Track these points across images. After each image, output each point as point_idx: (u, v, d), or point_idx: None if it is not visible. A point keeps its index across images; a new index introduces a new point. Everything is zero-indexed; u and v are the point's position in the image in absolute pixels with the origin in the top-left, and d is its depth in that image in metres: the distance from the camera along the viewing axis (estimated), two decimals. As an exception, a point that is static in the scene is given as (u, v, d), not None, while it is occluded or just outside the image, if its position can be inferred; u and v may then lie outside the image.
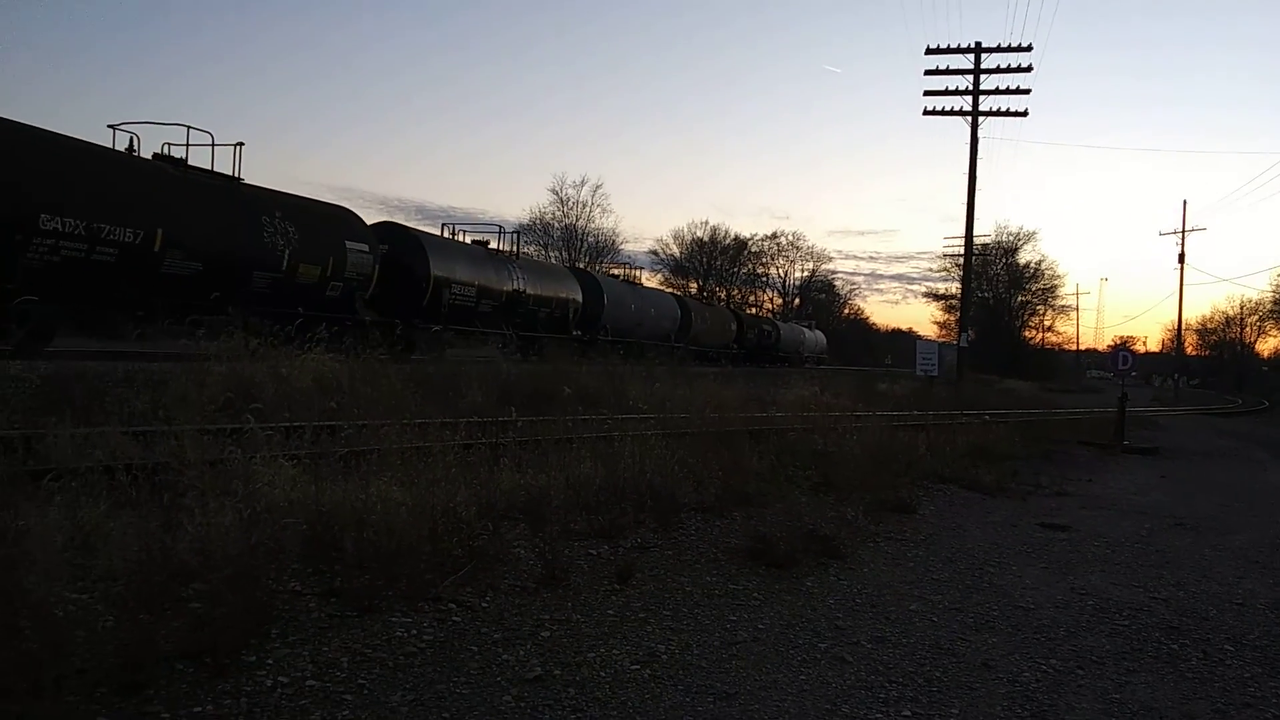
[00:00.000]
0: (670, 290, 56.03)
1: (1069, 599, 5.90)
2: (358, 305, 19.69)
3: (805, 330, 62.00)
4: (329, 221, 19.51)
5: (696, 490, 7.52)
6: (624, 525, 6.43)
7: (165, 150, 16.21)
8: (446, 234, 25.55)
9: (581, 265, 54.90)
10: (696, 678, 4.04)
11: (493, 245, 26.84)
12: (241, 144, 17.35)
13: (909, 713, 3.85)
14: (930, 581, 6.08)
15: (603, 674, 3.98)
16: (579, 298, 30.05)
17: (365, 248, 19.86)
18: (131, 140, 15.38)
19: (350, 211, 20.82)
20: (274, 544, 4.50)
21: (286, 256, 17.42)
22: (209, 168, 16.69)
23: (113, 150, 15.09)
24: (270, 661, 3.69)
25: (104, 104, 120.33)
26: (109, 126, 15.55)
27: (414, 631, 4.20)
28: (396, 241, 21.84)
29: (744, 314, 56.12)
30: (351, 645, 3.96)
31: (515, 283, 26.03)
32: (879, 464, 9.54)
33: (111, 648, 3.47)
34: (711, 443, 8.87)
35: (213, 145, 16.73)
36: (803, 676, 4.18)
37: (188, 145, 16.36)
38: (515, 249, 28.53)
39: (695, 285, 73.69)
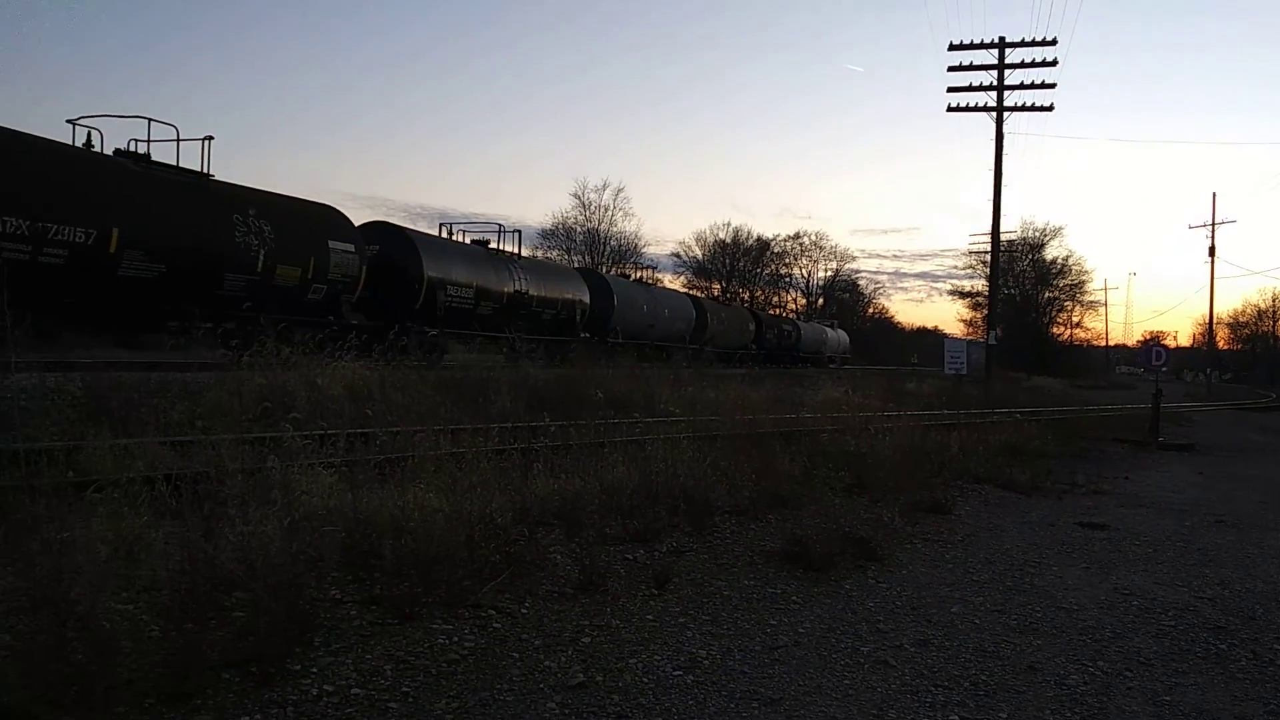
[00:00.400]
0: (687, 291, 55.39)
1: (1113, 600, 5.81)
2: (344, 309, 18.73)
3: (827, 330, 61.11)
4: (310, 220, 18.65)
5: (730, 493, 7.48)
6: (658, 529, 6.41)
7: (131, 146, 15.33)
8: (445, 234, 24.80)
9: (604, 269, 54.95)
10: (740, 683, 4.01)
11: (493, 245, 26.01)
12: (210, 138, 16.33)
13: (957, 718, 3.80)
14: (970, 583, 6.01)
15: (645, 680, 3.96)
16: (586, 299, 29.28)
17: (350, 248, 18.95)
18: (89, 135, 14.62)
19: (335, 210, 19.94)
20: (314, 552, 4.51)
21: (262, 257, 16.52)
22: (177, 164, 15.75)
23: (62, 144, 14.28)
24: (315, 670, 3.71)
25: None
26: (68, 121, 14.79)
27: (455, 639, 4.20)
28: (387, 241, 21.07)
29: (763, 314, 55.13)
30: (394, 653, 3.97)
31: (517, 284, 25.18)
32: (912, 464, 9.47)
33: (158, 657, 3.50)
34: (743, 445, 8.83)
35: (178, 140, 15.80)
36: (846, 681, 4.14)
37: (149, 140, 15.51)
38: (517, 248, 27.59)
39: (718, 287, 73.62)
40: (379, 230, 21.71)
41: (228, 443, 6.36)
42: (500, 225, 26.75)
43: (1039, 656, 4.62)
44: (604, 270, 52.48)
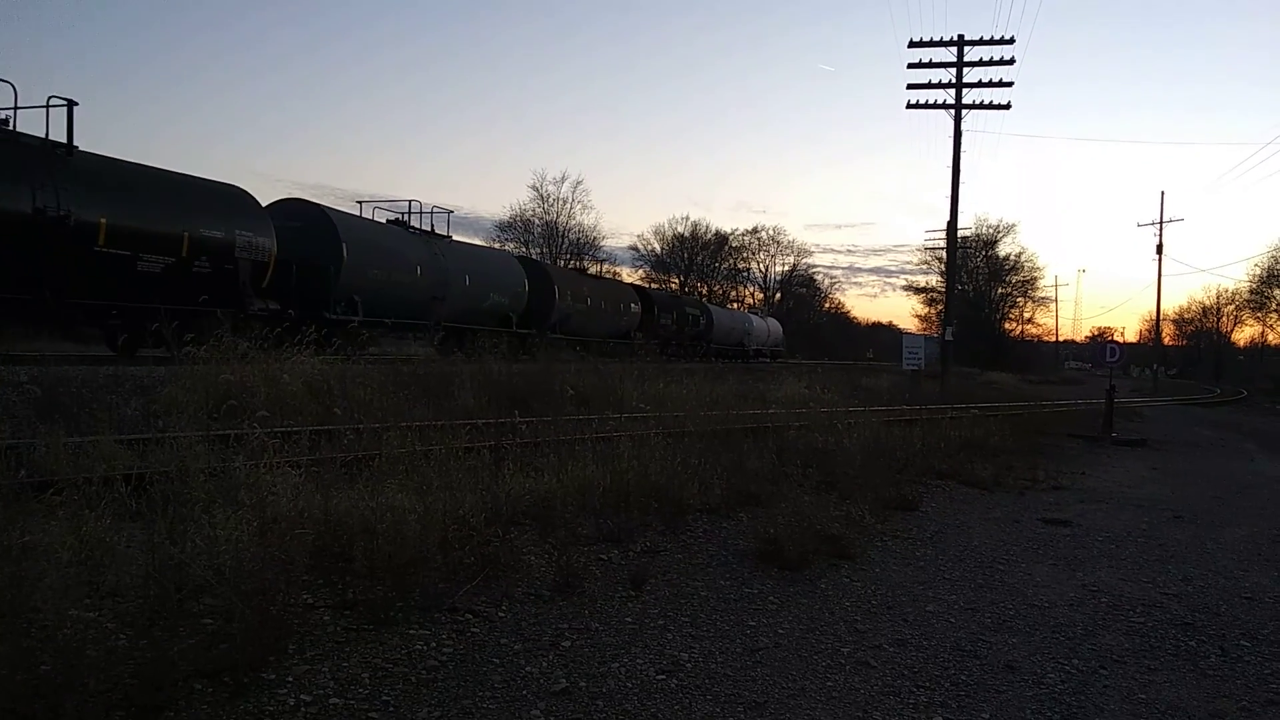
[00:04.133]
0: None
1: (1082, 596, 5.88)
2: (244, 294, 16.74)
3: (752, 318, 53.65)
4: (197, 196, 16.51)
5: (701, 491, 7.45)
6: (632, 529, 6.35)
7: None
8: (368, 214, 23.17)
9: (562, 262, 54.30)
10: (724, 687, 3.98)
11: (415, 226, 23.77)
12: (73, 103, 14.07)
13: (940, 718, 3.80)
14: (943, 581, 6.04)
15: (629, 685, 3.90)
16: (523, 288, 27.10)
17: (249, 229, 16.86)
18: None
19: (238, 189, 17.85)
20: (284, 555, 4.39)
21: (104, 231, 13.89)
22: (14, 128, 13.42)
23: None
24: (290, 679, 3.60)
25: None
26: None
27: (433, 644, 4.12)
28: (299, 219, 19.09)
29: (659, 293, 44.52)
30: (371, 660, 3.87)
31: (442, 270, 23.03)
32: (877, 460, 9.53)
33: (128, 668, 3.37)
34: (712, 442, 8.81)
35: (15, 105, 13.47)
36: (829, 683, 4.12)
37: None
38: (447, 230, 25.05)
39: (676, 281, 73.72)
40: (292, 209, 19.69)
41: (189, 441, 6.20)
42: (419, 202, 24.12)
43: (1015, 655, 4.65)
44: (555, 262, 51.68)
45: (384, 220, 23.64)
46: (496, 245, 38.65)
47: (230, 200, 17.33)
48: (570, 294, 30.50)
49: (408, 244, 22.60)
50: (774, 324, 57.18)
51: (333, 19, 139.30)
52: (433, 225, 24.30)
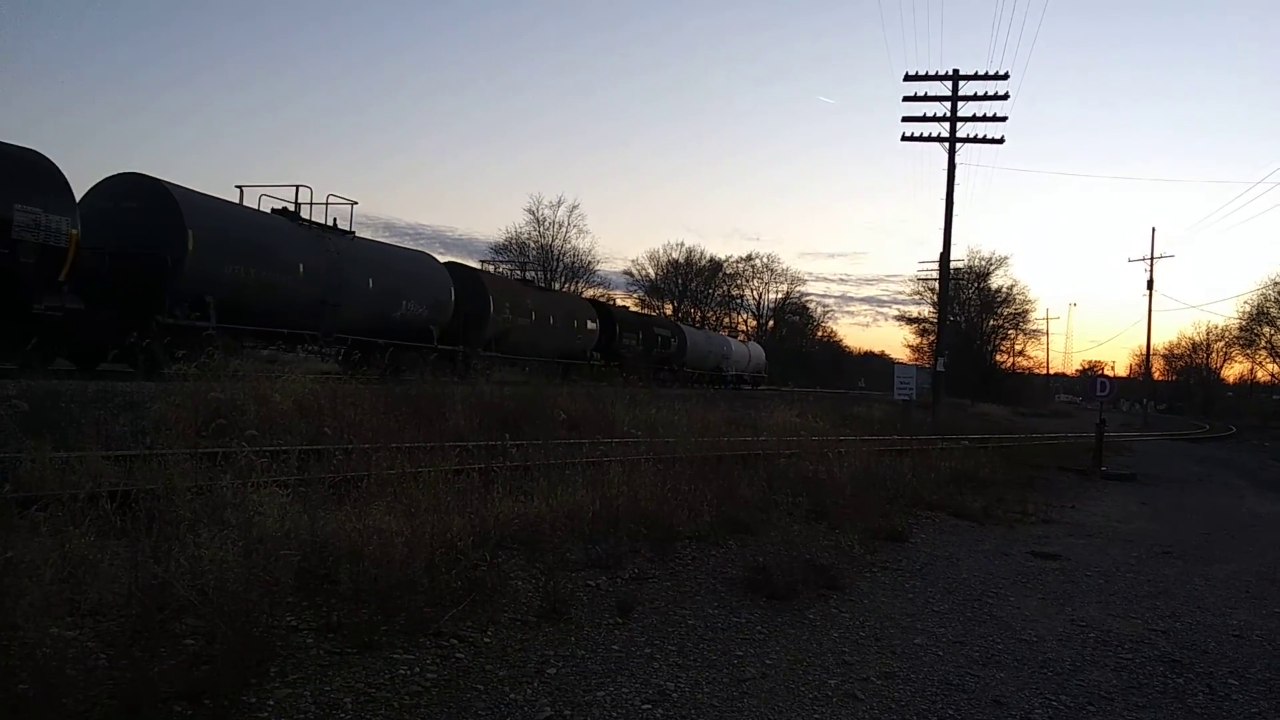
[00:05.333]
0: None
1: (1070, 631, 5.86)
2: (27, 289, 13.07)
3: (731, 341, 51.88)
4: None
5: (691, 518, 7.43)
6: (620, 555, 6.33)
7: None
8: (252, 202, 19.00)
9: (558, 285, 53.96)
10: (710, 718, 3.94)
11: (308, 219, 19.60)
12: None
13: (927, 754, 3.77)
14: (931, 614, 6.02)
15: (614, 715, 3.87)
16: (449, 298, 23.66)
17: (36, 204, 13.07)
18: None
19: (28, 151, 13.56)
20: (268, 576, 4.35)
21: None
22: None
23: None
24: (271, 703, 3.56)
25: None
26: None
27: (417, 669, 4.08)
28: (135, 199, 15.55)
29: (622, 311, 39.82)
30: (354, 684, 3.83)
31: (337, 270, 19.17)
32: (868, 490, 9.52)
33: (107, 688, 3.33)
34: (702, 468, 8.79)
35: None
36: (816, 715, 4.09)
37: None
38: (350, 225, 20.81)
39: (670, 307, 73.86)
40: (129, 186, 15.89)
41: (176, 458, 6.17)
42: (310, 188, 19.97)
43: (1003, 690, 4.62)
44: (561, 287, 51.01)
45: (270, 209, 19.27)
46: (490, 267, 33.85)
47: (12, 165, 13.18)
48: (510, 306, 26.62)
49: (289, 237, 18.50)
50: (755, 348, 56.02)
51: (327, 33, 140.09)
52: (335, 220, 20.51)
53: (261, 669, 3.77)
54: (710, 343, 47.11)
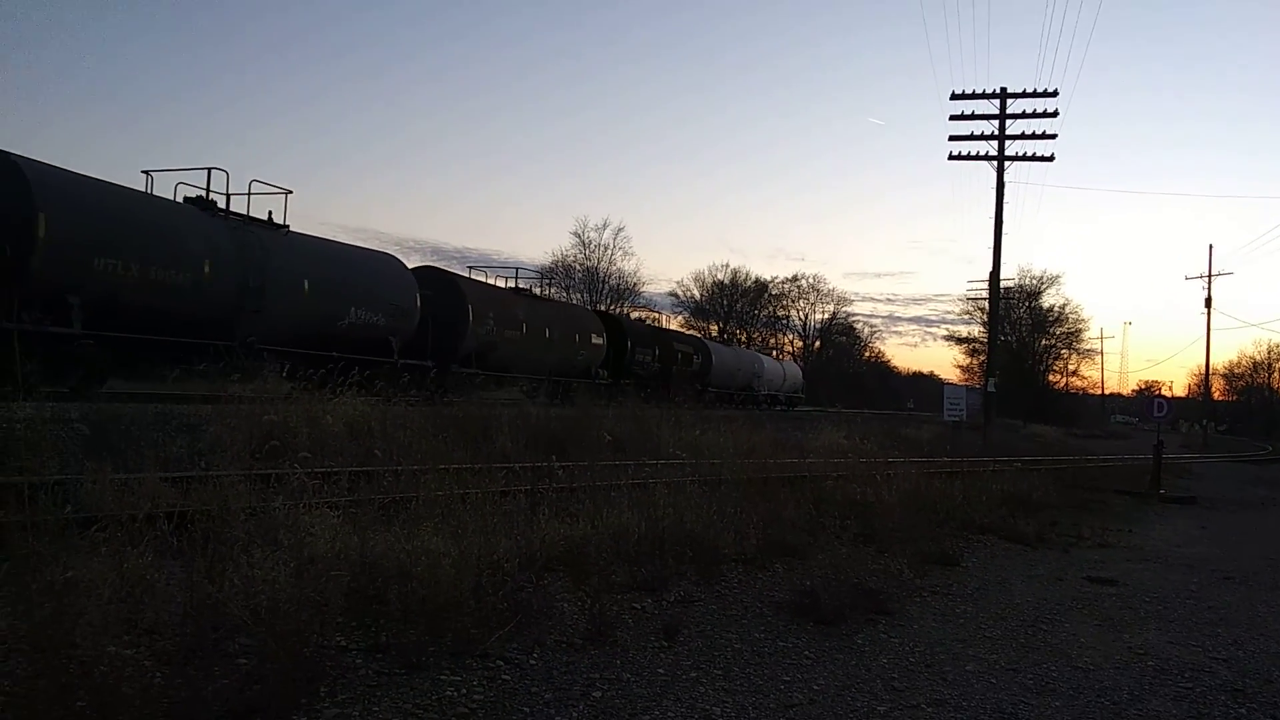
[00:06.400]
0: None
1: (1127, 659, 5.71)
2: None
3: (764, 359, 49.74)
4: None
5: (736, 540, 7.39)
6: (666, 577, 6.31)
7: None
8: (166, 191, 15.93)
9: (602, 307, 53.51)
10: (756, 743, 3.91)
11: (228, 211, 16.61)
12: None
13: (979, 783, 3.70)
14: (983, 640, 5.91)
15: (660, 738, 3.85)
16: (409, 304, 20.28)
17: None
18: None
19: None
20: (319, 596, 4.42)
21: None
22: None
23: None
24: (321, 722, 3.60)
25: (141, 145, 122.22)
26: None
27: (464, 691, 4.10)
28: None
29: (633, 323, 37.53)
30: (402, 705, 3.86)
31: (259, 269, 16.09)
32: (917, 513, 9.40)
33: (162, 705, 3.40)
34: (748, 491, 8.74)
35: None
36: (865, 742, 4.03)
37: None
38: (284, 218, 17.67)
39: (715, 328, 73.78)
40: None
41: (231, 480, 6.29)
42: (226, 172, 16.81)
43: (1058, 719, 4.52)
44: (602, 308, 50.47)
45: (183, 199, 16.35)
46: (536, 289, 30.31)
47: None
48: (494, 316, 23.55)
49: (193, 227, 15.55)
50: (791, 367, 54.27)
51: (369, 58, 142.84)
52: (269, 214, 17.50)
53: (312, 688, 3.82)
54: (740, 360, 44.42)
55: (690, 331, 58.18)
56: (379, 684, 4.05)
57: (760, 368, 46.38)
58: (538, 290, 30.27)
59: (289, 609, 4.04)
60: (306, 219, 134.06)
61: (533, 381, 23.61)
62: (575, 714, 4.02)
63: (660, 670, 4.71)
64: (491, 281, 26.83)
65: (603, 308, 49.70)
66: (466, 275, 25.08)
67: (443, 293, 21.94)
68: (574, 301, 51.34)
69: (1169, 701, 4.95)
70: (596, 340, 29.30)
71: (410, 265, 22.36)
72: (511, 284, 23.62)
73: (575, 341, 28.00)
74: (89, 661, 3.50)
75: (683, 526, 7.12)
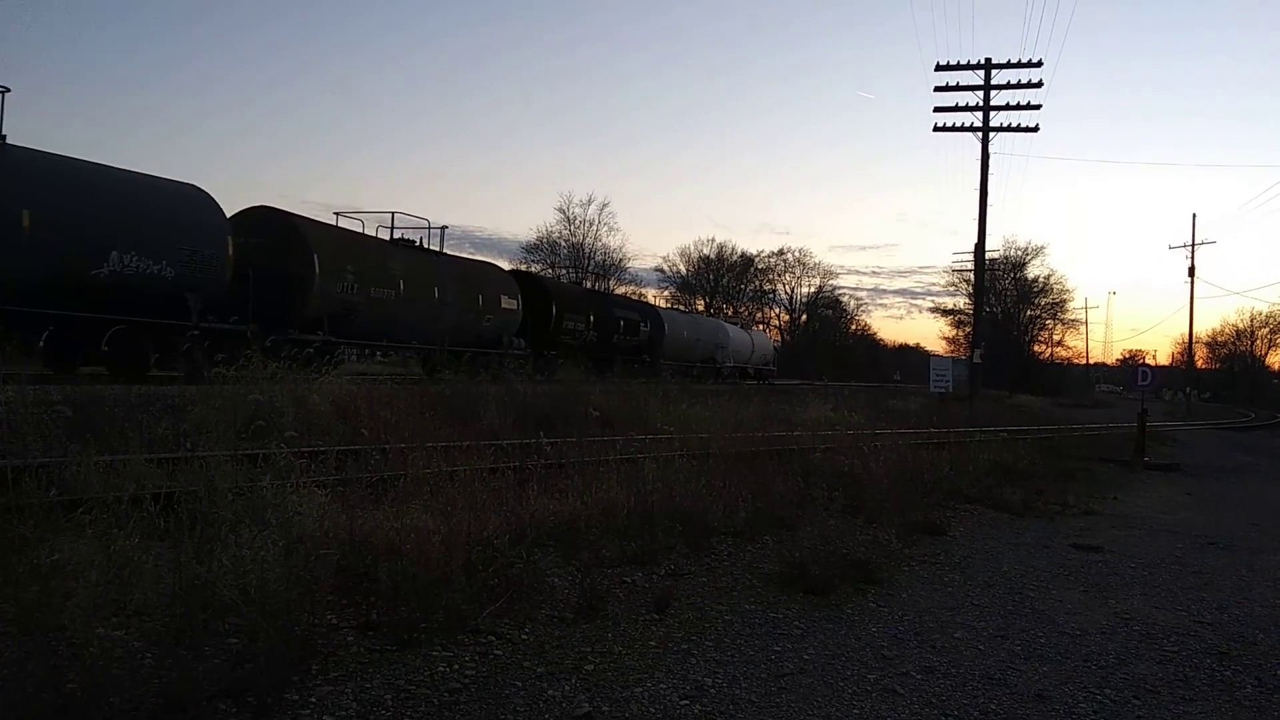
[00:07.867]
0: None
1: (1113, 624, 5.77)
2: None
3: (729, 328, 44.48)
4: None
5: (725, 514, 7.41)
6: (656, 551, 6.32)
7: None
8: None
9: (585, 283, 52.12)
10: (748, 713, 3.93)
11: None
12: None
13: (969, 748, 3.73)
14: (971, 607, 5.96)
15: (652, 710, 3.87)
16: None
17: None
18: None
19: None
20: (308, 575, 4.41)
21: None
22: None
23: None
24: (314, 700, 3.59)
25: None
26: None
27: (456, 666, 4.10)
28: None
29: (562, 285, 33.53)
30: (394, 681, 3.86)
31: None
32: (904, 484, 9.44)
33: (152, 687, 3.38)
34: (736, 464, 8.76)
35: None
36: (856, 711, 4.06)
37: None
38: None
39: (702, 303, 73.75)
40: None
41: (217, 460, 6.25)
42: None
43: (1046, 684, 4.56)
44: (590, 285, 49.06)
45: None
46: (522, 266, 29.52)
47: None
48: (353, 270, 19.12)
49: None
50: (760, 336, 50.40)
51: (350, 31, 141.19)
52: None
53: (303, 667, 3.81)
54: (700, 330, 40.17)
55: (663, 303, 55.08)
56: (371, 661, 4.05)
57: (724, 338, 42.19)
58: (523, 267, 28.59)
59: (279, 588, 4.03)
60: (293, 197, 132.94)
61: (420, 352, 20.42)
62: (568, 687, 4.03)
63: (651, 642, 4.73)
64: (404, 238, 21.94)
65: (589, 284, 48.97)
66: (314, 220, 19.89)
67: (277, 239, 17.70)
68: (546, 274, 45.41)
69: (1155, 665, 5.01)
70: (509, 303, 24.89)
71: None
72: (513, 267, 20.60)
73: (478, 305, 23.49)
74: (78, 643, 3.49)
75: (672, 500, 7.14)
